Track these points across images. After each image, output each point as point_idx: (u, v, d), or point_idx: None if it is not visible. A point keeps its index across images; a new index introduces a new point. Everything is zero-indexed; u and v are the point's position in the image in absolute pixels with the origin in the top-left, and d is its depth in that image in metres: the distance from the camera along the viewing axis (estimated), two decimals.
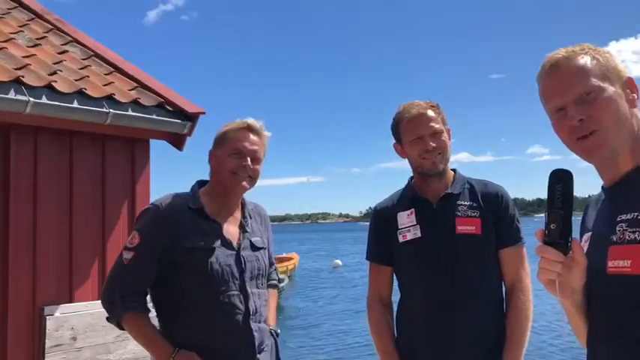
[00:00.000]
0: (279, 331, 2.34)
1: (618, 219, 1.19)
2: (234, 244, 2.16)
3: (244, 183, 2.15)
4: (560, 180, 1.20)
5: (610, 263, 1.19)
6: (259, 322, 2.17)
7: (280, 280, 2.53)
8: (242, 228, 2.22)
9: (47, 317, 3.69)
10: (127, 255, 2.08)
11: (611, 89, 1.22)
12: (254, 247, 2.21)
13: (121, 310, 2.07)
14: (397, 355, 2.16)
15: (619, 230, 1.17)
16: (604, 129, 1.20)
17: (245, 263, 2.14)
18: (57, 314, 3.74)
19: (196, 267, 2.06)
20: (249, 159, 2.14)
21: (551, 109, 1.28)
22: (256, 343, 2.13)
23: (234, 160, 2.13)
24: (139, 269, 2.08)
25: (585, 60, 1.24)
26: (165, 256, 2.07)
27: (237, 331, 2.09)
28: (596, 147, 1.21)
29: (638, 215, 1.15)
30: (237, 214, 2.24)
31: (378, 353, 2.22)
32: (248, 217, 2.26)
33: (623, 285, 1.16)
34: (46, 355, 3.64)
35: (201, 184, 2.27)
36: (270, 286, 2.39)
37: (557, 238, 1.19)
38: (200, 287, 2.07)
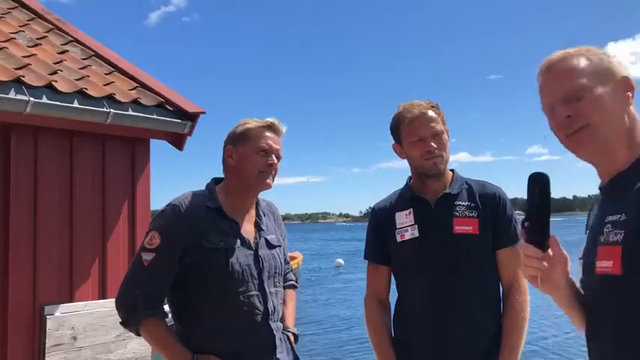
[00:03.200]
0: (298, 332, 2.30)
1: (606, 220, 1.22)
2: (252, 243, 2.14)
3: (269, 180, 2.16)
4: (537, 183, 1.26)
5: (597, 263, 1.22)
6: (277, 322, 2.15)
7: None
8: (257, 226, 2.20)
9: (47, 317, 3.69)
10: (147, 256, 2.01)
11: (600, 88, 1.25)
12: (270, 246, 2.20)
13: (142, 315, 2.00)
14: (394, 355, 2.17)
15: (606, 231, 1.20)
16: (592, 125, 1.24)
17: (263, 262, 2.13)
18: (57, 314, 3.75)
19: (217, 268, 2.03)
20: (274, 157, 2.15)
21: (545, 107, 1.33)
22: (276, 343, 2.12)
23: (261, 158, 2.12)
24: (161, 271, 2.02)
25: (577, 61, 1.28)
26: (185, 257, 2.03)
27: (257, 331, 2.07)
28: (584, 142, 1.25)
29: (621, 217, 1.17)
30: (253, 212, 2.23)
31: (375, 352, 2.22)
32: (262, 215, 2.24)
33: (607, 285, 1.20)
34: (46, 354, 3.65)
35: (217, 181, 2.23)
36: (288, 286, 2.37)
37: (534, 236, 1.26)
38: (220, 288, 2.03)
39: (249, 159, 2.13)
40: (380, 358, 2.20)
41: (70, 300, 3.88)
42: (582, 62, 1.28)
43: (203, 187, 2.23)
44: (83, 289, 3.96)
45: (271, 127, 2.17)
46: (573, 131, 1.26)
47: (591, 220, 1.38)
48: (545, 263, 1.26)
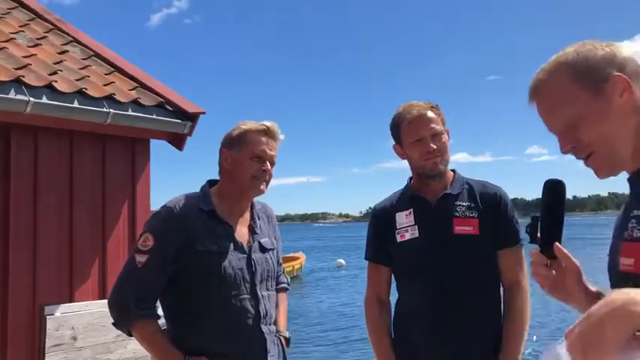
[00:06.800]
0: (288, 335, 2.30)
1: (632, 214, 1.13)
2: (245, 246, 2.14)
3: (262, 187, 2.16)
4: (549, 190, 1.26)
5: (621, 260, 1.14)
6: (269, 325, 2.15)
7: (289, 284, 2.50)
8: (251, 229, 2.20)
9: (47, 317, 3.69)
10: (141, 258, 2.02)
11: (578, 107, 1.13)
12: (263, 249, 2.20)
13: (134, 316, 2.01)
14: (394, 356, 2.17)
15: (630, 226, 1.11)
16: (597, 151, 1.14)
17: (256, 266, 2.13)
18: (57, 314, 3.75)
19: (209, 271, 2.03)
20: (268, 163, 2.15)
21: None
22: (267, 347, 2.12)
23: (255, 164, 2.12)
24: (153, 273, 2.02)
25: (553, 88, 1.16)
26: (178, 259, 2.03)
27: (248, 335, 2.07)
28: (598, 169, 1.16)
29: None
30: (247, 215, 2.23)
31: (375, 353, 2.22)
32: (257, 218, 2.24)
33: (629, 283, 1.08)
34: (46, 354, 3.65)
35: (211, 183, 2.24)
36: (280, 289, 2.37)
37: (541, 243, 1.26)
38: (212, 291, 2.04)
39: (243, 164, 2.13)
40: (380, 358, 2.20)
41: (70, 300, 3.87)
42: (556, 88, 1.16)
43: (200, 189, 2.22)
44: (83, 289, 3.96)
45: (267, 133, 2.17)
46: (585, 157, 1.16)
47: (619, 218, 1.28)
48: (553, 271, 1.24)
